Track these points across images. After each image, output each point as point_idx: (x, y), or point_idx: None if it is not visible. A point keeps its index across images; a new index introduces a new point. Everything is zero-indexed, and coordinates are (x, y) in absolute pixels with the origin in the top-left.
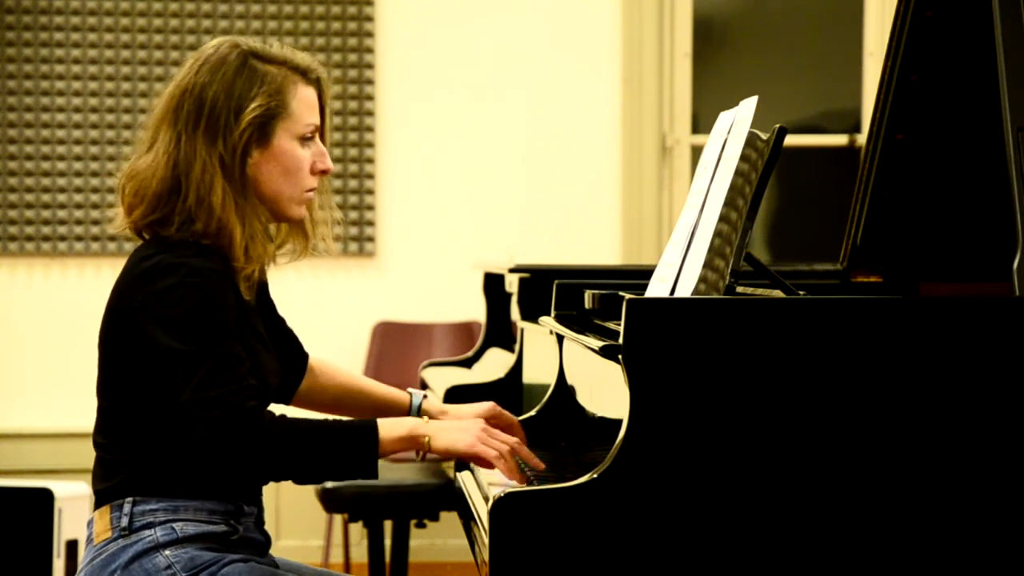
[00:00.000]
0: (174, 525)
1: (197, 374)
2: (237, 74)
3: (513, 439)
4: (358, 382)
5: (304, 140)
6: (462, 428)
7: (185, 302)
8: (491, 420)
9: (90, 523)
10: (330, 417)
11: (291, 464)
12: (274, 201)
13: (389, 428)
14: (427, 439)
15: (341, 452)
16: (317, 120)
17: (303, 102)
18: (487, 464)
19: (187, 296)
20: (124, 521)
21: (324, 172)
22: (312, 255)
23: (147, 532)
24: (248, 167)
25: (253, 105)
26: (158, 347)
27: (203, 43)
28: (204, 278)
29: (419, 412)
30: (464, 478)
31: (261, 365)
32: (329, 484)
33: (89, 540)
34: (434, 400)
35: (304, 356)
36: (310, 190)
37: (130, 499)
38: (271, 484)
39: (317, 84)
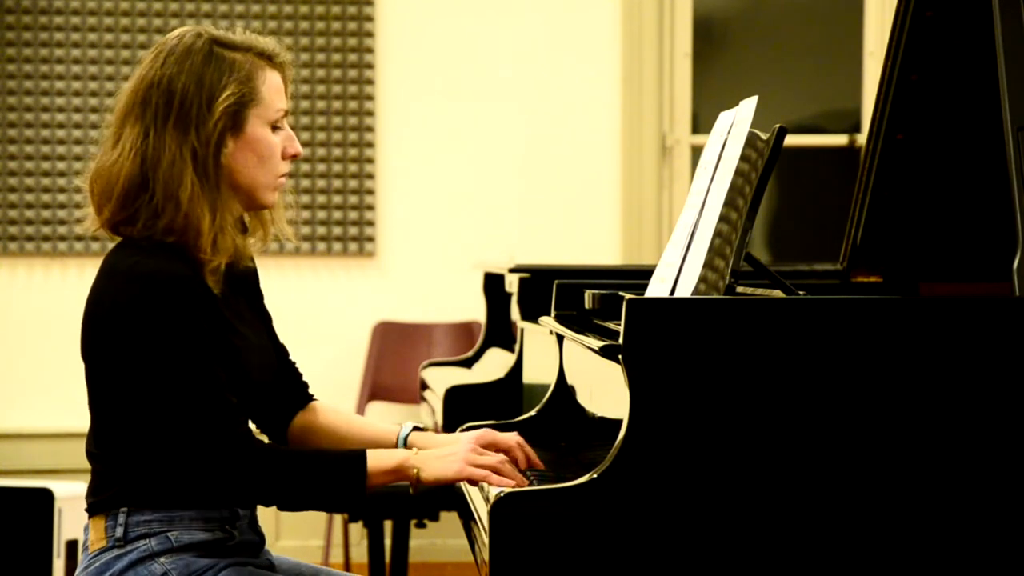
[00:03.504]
0: (169, 534)
1: (175, 400)
2: (205, 63)
3: (504, 450)
4: (348, 423)
5: (274, 126)
6: (450, 454)
7: (154, 312)
8: (487, 447)
9: (86, 528)
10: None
11: (277, 493)
12: (250, 189)
13: (378, 460)
14: (416, 471)
15: (328, 482)
16: (285, 105)
17: (272, 88)
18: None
19: (156, 306)
20: (119, 531)
21: (294, 156)
22: (294, 257)
23: (142, 542)
24: (223, 156)
25: (226, 94)
26: (133, 364)
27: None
28: (172, 286)
29: (405, 445)
30: None
31: (246, 361)
32: None
33: (85, 546)
34: (423, 435)
35: (302, 387)
36: (282, 175)
37: (124, 509)
38: None
39: (281, 69)
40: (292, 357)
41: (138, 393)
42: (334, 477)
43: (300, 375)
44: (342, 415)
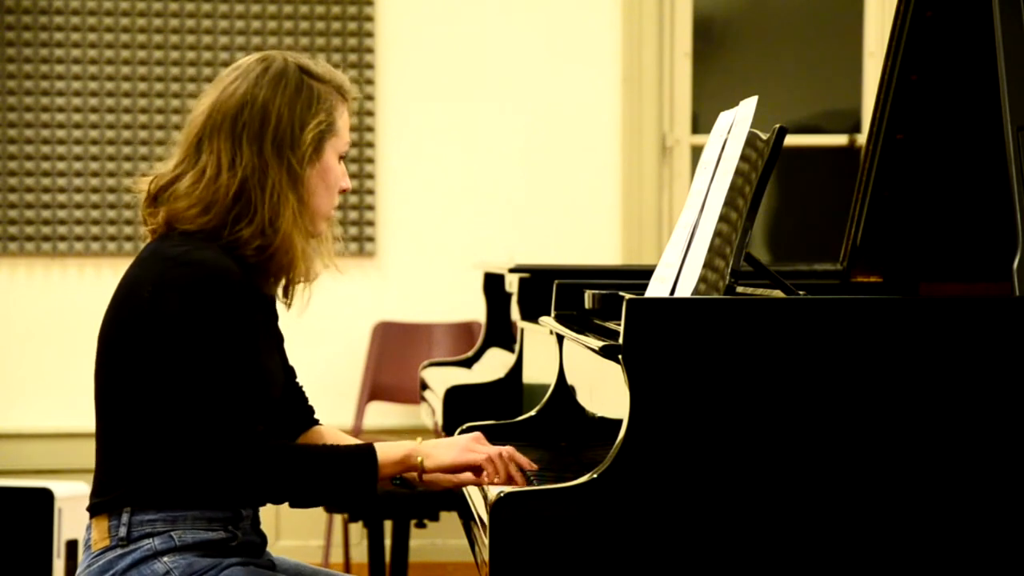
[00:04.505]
0: (172, 534)
1: (200, 390)
2: (298, 90)
3: (505, 449)
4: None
5: (340, 158)
6: (451, 443)
7: (198, 299)
8: None
9: (88, 527)
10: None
11: (291, 489)
12: (311, 218)
13: (386, 452)
14: (420, 459)
15: (341, 477)
16: (350, 139)
17: (345, 121)
18: (479, 473)
19: (200, 293)
20: (123, 531)
21: (344, 191)
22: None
23: (146, 541)
24: (305, 182)
25: (316, 121)
26: (164, 347)
27: (204, 44)
28: (221, 276)
29: None
30: None
31: (267, 371)
32: None
33: (87, 545)
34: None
35: (308, 411)
36: (334, 207)
37: (128, 509)
38: None
39: (350, 106)
40: (293, 360)
41: (162, 378)
42: (346, 472)
43: (306, 399)
44: (342, 438)
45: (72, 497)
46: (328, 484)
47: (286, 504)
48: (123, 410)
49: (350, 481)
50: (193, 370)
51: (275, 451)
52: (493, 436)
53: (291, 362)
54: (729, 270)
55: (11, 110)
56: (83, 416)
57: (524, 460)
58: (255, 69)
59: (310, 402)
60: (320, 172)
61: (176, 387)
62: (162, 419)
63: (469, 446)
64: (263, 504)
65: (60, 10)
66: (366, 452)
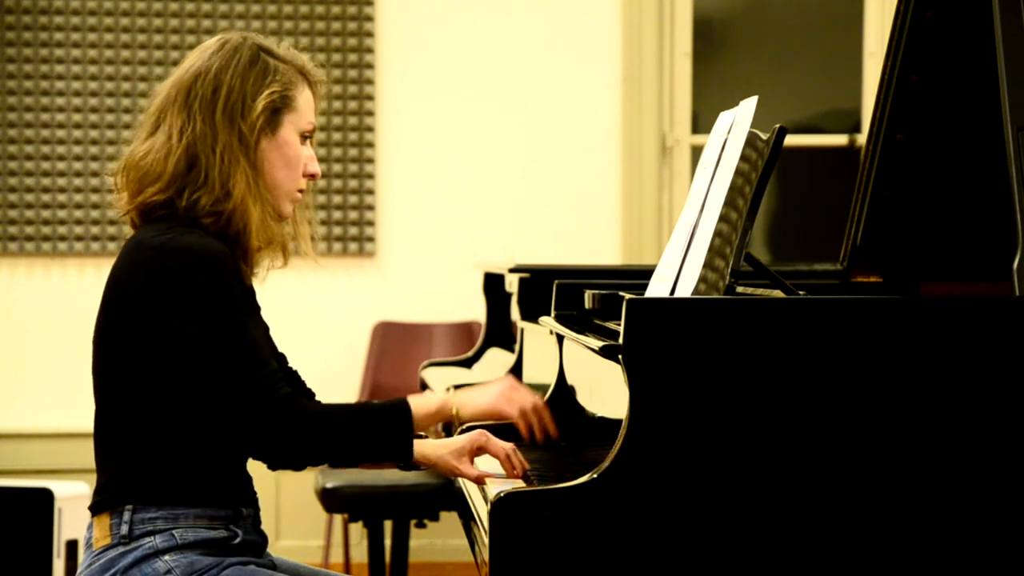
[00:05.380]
0: (174, 532)
1: (223, 363)
2: (251, 62)
3: (538, 402)
4: None
5: (303, 138)
6: (486, 390)
7: (195, 282)
8: (480, 450)
9: (89, 527)
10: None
11: (331, 450)
12: (271, 192)
13: (420, 405)
14: (455, 410)
15: (378, 435)
16: (315, 121)
17: (305, 100)
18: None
19: (196, 276)
20: (124, 529)
21: (313, 176)
22: (295, 258)
23: (147, 539)
24: (259, 151)
25: (268, 91)
26: (170, 332)
27: (204, 43)
28: (211, 256)
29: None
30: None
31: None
32: (329, 484)
33: (88, 544)
34: (422, 442)
35: (307, 393)
36: (300, 190)
37: (129, 507)
38: (269, 484)
39: (315, 88)
40: (294, 360)
41: (174, 367)
42: (383, 429)
43: (304, 382)
44: None
45: (72, 497)
46: (366, 441)
47: (327, 465)
48: (124, 406)
49: (387, 436)
50: (214, 346)
51: (311, 415)
52: (494, 436)
53: (290, 363)
54: (729, 270)
55: (11, 110)
56: (83, 416)
57: (550, 420)
58: (211, 47)
59: (308, 386)
60: (276, 145)
61: (196, 361)
62: (169, 413)
63: (506, 395)
64: (302, 466)
65: (60, 10)
66: (400, 406)
